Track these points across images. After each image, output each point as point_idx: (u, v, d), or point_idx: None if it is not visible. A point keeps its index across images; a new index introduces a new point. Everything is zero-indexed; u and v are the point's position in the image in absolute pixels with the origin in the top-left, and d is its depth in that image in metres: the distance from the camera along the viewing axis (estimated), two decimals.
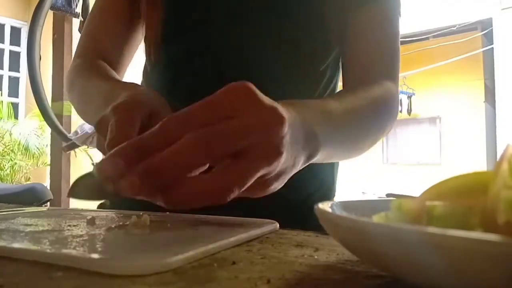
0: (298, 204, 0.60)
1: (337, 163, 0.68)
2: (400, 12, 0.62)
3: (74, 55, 0.72)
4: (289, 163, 0.35)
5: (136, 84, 0.54)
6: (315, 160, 0.42)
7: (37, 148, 4.99)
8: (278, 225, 0.41)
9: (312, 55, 0.62)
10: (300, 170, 0.56)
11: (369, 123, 0.53)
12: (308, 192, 0.63)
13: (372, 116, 0.53)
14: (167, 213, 0.46)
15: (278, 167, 0.33)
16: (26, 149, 4.98)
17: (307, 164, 0.40)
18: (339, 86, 0.66)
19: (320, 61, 0.62)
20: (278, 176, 0.35)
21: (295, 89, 0.60)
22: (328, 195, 0.66)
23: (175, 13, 0.63)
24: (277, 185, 0.36)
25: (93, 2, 0.73)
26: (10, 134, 5.05)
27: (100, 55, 0.66)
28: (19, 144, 5.00)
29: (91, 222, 0.38)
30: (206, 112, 0.31)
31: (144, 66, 0.70)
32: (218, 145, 0.29)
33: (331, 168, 0.66)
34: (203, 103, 0.31)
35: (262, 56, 0.59)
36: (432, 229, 0.17)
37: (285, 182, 0.37)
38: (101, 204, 0.68)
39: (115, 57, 0.68)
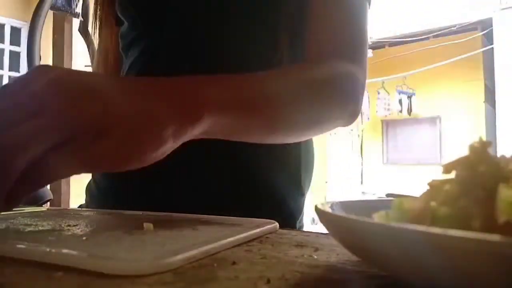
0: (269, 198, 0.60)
1: (306, 157, 0.65)
2: (369, 0, 0.60)
3: None
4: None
5: None
6: (211, 128, 0.38)
7: None
8: (278, 225, 0.41)
9: (261, 29, 0.59)
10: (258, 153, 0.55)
11: (300, 101, 0.48)
12: (274, 180, 0.61)
13: (306, 93, 0.49)
14: (166, 213, 0.46)
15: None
16: None
17: (194, 130, 0.37)
18: None
19: (269, 36, 0.59)
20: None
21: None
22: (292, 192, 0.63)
23: (145, 11, 0.63)
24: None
25: (93, 2, 0.74)
26: None
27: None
28: None
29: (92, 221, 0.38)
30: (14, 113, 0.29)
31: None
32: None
33: (296, 160, 0.64)
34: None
35: (230, 36, 0.58)
36: (432, 229, 0.17)
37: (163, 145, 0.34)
38: (80, 205, 0.69)
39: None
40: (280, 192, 0.61)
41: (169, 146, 0.35)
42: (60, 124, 0.29)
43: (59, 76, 0.31)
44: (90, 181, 0.69)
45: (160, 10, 0.61)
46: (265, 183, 0.60)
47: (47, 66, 0.32)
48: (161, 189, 0.58)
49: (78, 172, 0.32)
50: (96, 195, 0.66)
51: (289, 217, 0.61)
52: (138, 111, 0.33)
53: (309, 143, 0.66)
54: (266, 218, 0.42)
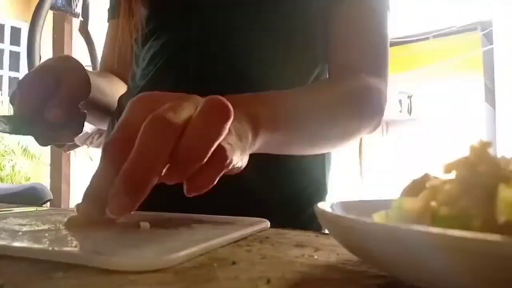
0: (289, 202, 0.61)
1: (328, 159, 0.67)
2: (388, 6, 0.60)
3: None
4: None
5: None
6: (264, 144, 0.42)
7: (37, 148, 4.99)
8: (268, 224, 0.42)
9: (298, 48, 0.61)
10: (288, 167, 0.56)
11: (334, 116, 0.52)
12: (297, 189, 0.62)
13: (338, 108, 0.52)
14: (159, 212, 0.47)
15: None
16: (26, 149, 4.97)
17: (255, 145, 0.41)
18: None
19: (307, 53, 0.61)
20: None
21: (283, 82, 0.60)
22: (319, 192, 0.65)
23: (157, 8, 0.63)
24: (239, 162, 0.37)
25: (93, 2, 0.75)
26: (10, 135, 5.05)
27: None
28: (18, 143, 4.99)
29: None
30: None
31: (132, 67, 0.71)
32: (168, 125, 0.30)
33: (322, 164, 0.66)
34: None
35: (249, 48, 0.59)
36: (431, 229, 0.17)
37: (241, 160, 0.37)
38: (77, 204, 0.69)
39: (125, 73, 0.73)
40: (306, 197, 0.63)
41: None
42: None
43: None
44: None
45: (188, 5, 0.61)
46: (294, 194, 0.61)
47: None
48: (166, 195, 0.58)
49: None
50: None
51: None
52: None
53: None
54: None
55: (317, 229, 0.63)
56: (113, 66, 0.73)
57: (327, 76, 0.64)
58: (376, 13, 0.59)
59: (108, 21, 0.77)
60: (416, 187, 0.25)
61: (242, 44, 0.58)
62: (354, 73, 0.56)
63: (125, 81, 0.73)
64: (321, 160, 0.66)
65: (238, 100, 0.39)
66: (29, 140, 5.00)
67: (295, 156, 0.60)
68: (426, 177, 0.25)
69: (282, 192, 0.60)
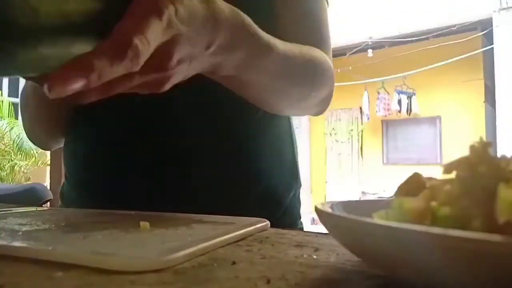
0: (265, 195, 0.60)
1: (296, 147, 0.68)
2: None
3: None
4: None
5: None
6: (224, 66, 0.42)
7: (32, 148, 4.98)
8: (269, 224, 0.42)
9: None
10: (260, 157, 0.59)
11: (298, 70, 0.53)
12: (273, 181, 0.62)
13: (303, 65, 0.53)
14: (158, 212, 0.47)
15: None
16: (20, 148, 4.97)
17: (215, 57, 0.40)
18: None
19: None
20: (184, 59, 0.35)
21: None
22: (292, 184, 0.66)
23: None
24: (186, 71, 0.37)
25: None
26: (10, 134, 5.05)
27: None
28: (13, 143, 5.00)
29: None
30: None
31: None
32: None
33: (292, 153, 0.67)
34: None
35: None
36: (432, 229, 0.17)
37: (194, 68, 0.38)
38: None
39: None
40: (279, 187, 0.63)
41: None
42: None
43: None
44: (63, 185, 0.67)
45: None
46: (267, 181, 0.61)
47: None
48: (155, 187, 0.58)
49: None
50: (76, 196, 0.64)
51: (292, 209, 0.65)
52: None
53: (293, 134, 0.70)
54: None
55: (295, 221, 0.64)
56: None
57: None
58: (317, 4, 0.63)
59: None
60: (407, 187, 0.25)
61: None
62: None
63: None
64: (291, 146, 0.67)
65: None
66: (24, 140, 5.00)
67: (266, 147, 0.61)
68: (416, 177, 0.25)
69: (259, 185, 0.60)
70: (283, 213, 0.63)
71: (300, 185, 0.68)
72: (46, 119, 0.64)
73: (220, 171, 0.58)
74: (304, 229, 0.67)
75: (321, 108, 0.63)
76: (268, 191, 0.61)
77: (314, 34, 0.62)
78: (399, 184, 0.25)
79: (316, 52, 0.56)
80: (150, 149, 0.57)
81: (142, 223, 0.35)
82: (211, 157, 0.58)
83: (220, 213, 0.45)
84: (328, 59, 0.59)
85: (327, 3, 0.66)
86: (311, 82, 0.56)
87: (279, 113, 0.62)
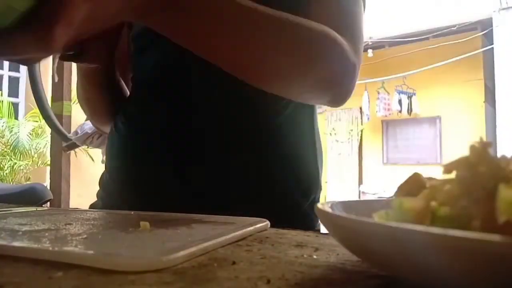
0: (284, 196, 0.61)
1: (320, 154, 0.68)
2: None
3: None
4: None
5: None
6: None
7: (31, 148, 4.98)
8: (268, 224, 0.42)
9: None
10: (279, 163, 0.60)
11: (279, 32, 0.46)
12: (292, 183, 0.63)
13: (289, 29, 0.47)
14: (158, 212, 0.47)
15: None
16: (15, 147, 4.97)
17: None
18: None
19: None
20: None
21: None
22: (313, 187, 0.66)
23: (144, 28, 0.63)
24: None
25: None
26: (10, 134, 5.05)
27: None
28: (7, 142, 5.00)
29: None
30: None
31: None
32: None
33: (314, 157, 0.66)
34: None
35: None
36: (432, 229, 0.17)
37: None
38: (92, 204, 0.69)
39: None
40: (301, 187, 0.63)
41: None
42: None
43: None
44: (103, 173, 0.71)
45: None
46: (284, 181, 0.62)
47: None
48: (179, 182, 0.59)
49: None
50: (111, 187, 0.68)
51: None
52: None
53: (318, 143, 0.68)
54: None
55: (313, 224, 0.64)
56: None
57: None
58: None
59: None
60: (407, 187, 0.25)
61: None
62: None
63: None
64: (313, 153, 0.66)
65: None
66: (20, 140, 5.00)
67: (288, 147, 0.61)
68: (416, 177, 0.25)
69: (277, 186, 0.61)
70: (302, 215, 0.63)
71: (321, 189, 0.68)
72: (93, 99, 0.70)
73: (242, 171, 0.59)
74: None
75: (332, 92, 0.54)
76: (285, 193, 0.61)
77: (347, 29, 0.53)
78: (399, 184, 0.25)
79: (322, 27, 0.49)
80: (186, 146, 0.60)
81: (142, 223, 0.35)
82: (233, 156, 0.59)
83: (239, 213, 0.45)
84: (342, 40, 0.50)
85: (364, 4, 0.60)
86: (305, 53, 0.48)
87: (276, 91, 0.54)
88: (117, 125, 0.68)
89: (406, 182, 0.25)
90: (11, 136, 5.03)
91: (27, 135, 4.99)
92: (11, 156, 5.04)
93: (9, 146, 5.05)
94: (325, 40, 0.49)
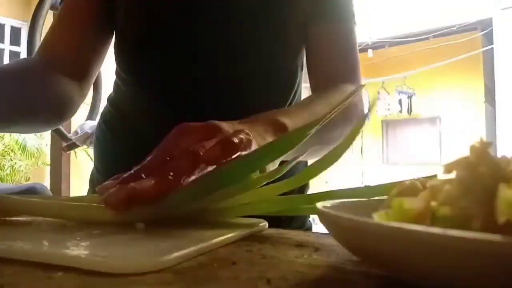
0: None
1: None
2: (355, 22, 0.69)
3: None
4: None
5: None
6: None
7: (36, 148, 4.99)
8: (267, 224, 0.41)
9: (278, 57, 0.67)
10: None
11: (333, 126, 0.56)
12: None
13: (337, 120, 0.57)
14: (158, 212, 0.46)
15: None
16: (24, 148, 4.98)
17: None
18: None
19: (287, 64, 0.67)
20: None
21: (265, 92, 0.65)
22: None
23: (150, 19, 0.64)
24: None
25: None
26: (10, 134, 5.05)
27: (56, 58, 0.64)
28: (16, 142, 5.00)
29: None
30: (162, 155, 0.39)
31: (115, 81, 0.71)
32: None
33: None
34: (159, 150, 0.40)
35: (233, 57, 0.64)
36: (432, 229, 0.17)
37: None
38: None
39: (76, 61, 0.66)
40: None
41: None
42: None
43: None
44: (92, 170, 0.72)
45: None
46: None
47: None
48: None
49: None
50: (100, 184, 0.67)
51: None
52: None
53: None
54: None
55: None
56: (64, 53, 0.65)
57: (299, 85, 0.71)
58: (349, 30, 0.68)
59: None
60: (403, 193, 0.25)
61: (227, 54, 0.63)
62: (335, 83, 0.64)
63: (76, 73, 0.65)
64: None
65: (265, 115, 0.49)
66: (27, 140, 5.01)
67: None
68: (412, 184, 0.25)
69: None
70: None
71: (308, 186, 0.71)
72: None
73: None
74: (312, 229, 0.70)
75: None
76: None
77: (346, 60, 0.67)
78: (391, 192, 0.26)
79: (339, 95, 0.59)
80: None
81: (137, 224, 0.35)
82: None
83: None
84: (358, 100, 0.64)
85: (355, 23, 0.69)
86: (345, 124, 0.60)
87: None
88: (106, 122, 0.68)
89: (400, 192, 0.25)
90: (19, 136, 5.04)
91: (35, 134, 5.01)
92: (11, 156, 5.04)
93: (15, 147, 5.06)
94: (356, 110, 0.64)
